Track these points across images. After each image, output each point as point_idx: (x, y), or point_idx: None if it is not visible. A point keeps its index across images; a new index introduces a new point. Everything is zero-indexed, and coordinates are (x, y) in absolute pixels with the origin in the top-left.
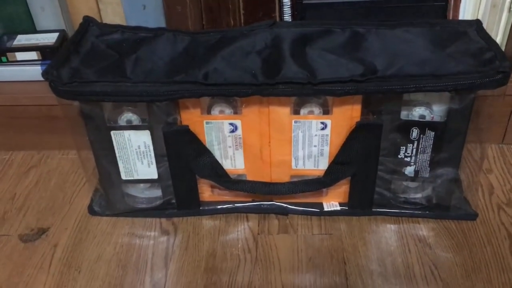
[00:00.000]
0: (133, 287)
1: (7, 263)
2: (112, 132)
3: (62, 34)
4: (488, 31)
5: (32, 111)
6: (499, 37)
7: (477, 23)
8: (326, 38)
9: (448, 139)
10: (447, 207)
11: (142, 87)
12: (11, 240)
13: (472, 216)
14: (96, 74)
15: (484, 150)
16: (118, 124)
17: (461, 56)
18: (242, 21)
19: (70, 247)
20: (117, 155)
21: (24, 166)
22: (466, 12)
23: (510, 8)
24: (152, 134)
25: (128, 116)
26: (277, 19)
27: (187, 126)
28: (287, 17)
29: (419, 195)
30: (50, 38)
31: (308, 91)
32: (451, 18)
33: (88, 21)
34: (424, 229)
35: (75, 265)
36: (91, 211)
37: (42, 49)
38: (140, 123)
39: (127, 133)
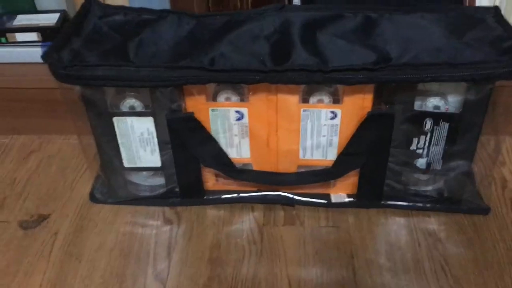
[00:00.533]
0: (135, 278)
1: (6, 250)
2: (114, 118)
3: (63, 14)
4: (506, 18)
5: (33, 94)
6: None
7: (495, 10)
8: (337, 23)
9: (463, 131)
10: (459, 200)
11: (145, 71)
12: (10, 227)
13: (484, 210)
14: (98, 58)
15: (499, 143)
16: (121, 110)
17: (478, 44)
18: (250, 4)
19: (71, 235)
20: (119, 141)
21: (24, 151)
22: None
23: None
24: (155, 121)
25: (131, 102)
26: (286, 2)
27: (192, 113)
28: (296, 1)
29: (430, 188)
30: (51, 19)
31: (319, 79)
32: (467, 4)
33: (90, 2)
34: (434, 223)
35: (76, 253)
36: (93, 198)
37: (42, 30)
38: (143, 110)
39: (129, 119)
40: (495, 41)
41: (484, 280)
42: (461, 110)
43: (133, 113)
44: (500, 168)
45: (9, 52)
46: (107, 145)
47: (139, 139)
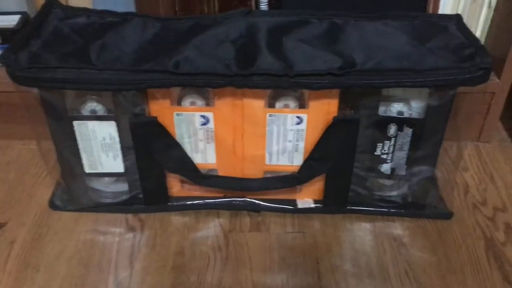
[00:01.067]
0: (96, 287)
1: None
2: (74, 122)
3: (24, 16)
4: (467, 26)
5: None
6: (478, 33)
7: (457, 18)
8: (303, 28)
9: (426, 136)
10: (422, 205)
11: (107, 74)
12: None
13: (447, 215)
14: (58, 60)
15: (461, 148)
16: (81, 114)
17: (441, 51)
18: (217, 9)
19: (29, 244)
20: (80, 146)
21: None
22: (446, 6)
23: (490, 3)
24: (118, 125)
25: (92, 105)
26: (253, 8)
27: (156, 117)
28: (264, 6)
29: (394, 193)
30: (11, 21)
31: (284, 83)
32: (431, 12)
33: (51, 3)
34: (399, 228)
35: (33, 263)
36: (52, 205)
37: (2, 32)
38: (105, 113)
39: (91, 123)
40: (457, 49)
41: (447, 285)
42: (424, 115)
43: (94, 117)
44: (462, 174)
45: None
46: (67, 150)
47: (101, 144)
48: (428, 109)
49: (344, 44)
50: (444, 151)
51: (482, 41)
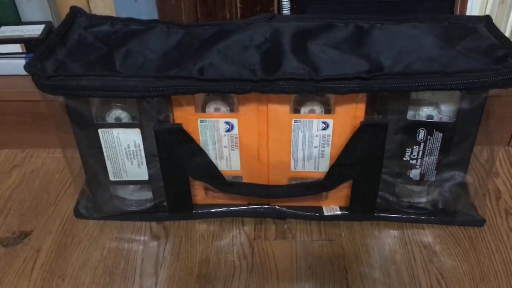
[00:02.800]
0: None
1: None
2: (99, 130)
3: (49, 26)
4: (497, 26)
5: (16, 107)
6: (507, 34)
7: (486, 19)
8: (328, 32)
9: (457, 141)
10: (453, 212)
11: (132, 82)
12: None
13: (479, 222)
14: (83, 68)
15: (493, 153)
16: (106, 121)
17: (471, 53)
18: (239, 15)
19: (54, 252)
20: (105, 154)
21: (6, 165)
22: (473, 8)
23: None
24: (142, 133)
25: (117, 113)
26: (276, 12)
27: (180, 124)
28: (286, 11)
29: (424, 200)
30: (35, 30)
31: (310, 88)
32: (458, 13)
33: (75, 12)
34: (429, 235)
35: (58, 271)
36: (77, 213)
37: (27, 42)
38: (130, 121)
39: (115, 131)
40: (488, 50)
41: None
42: (455, 119)
43: (119, 124)
44: (494, 180)
45: None
46: (92, 158)
47: (125, 152)
48: (459, 113)
49: (371, 48)
50: (475, 156)
51: None
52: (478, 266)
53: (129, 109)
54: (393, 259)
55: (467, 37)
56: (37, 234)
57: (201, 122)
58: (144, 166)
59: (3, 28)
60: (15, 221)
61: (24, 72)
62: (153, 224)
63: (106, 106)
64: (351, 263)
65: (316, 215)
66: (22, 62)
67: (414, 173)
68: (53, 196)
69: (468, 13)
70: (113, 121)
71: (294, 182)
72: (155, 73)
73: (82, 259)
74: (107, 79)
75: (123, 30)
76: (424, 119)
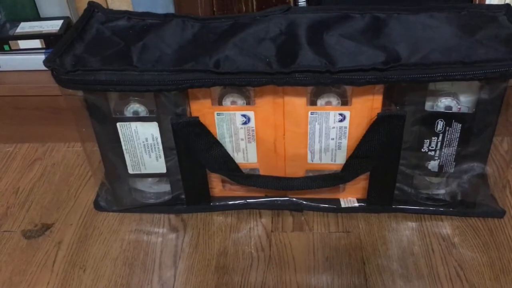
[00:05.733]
0: (141, 287)
1: (9, 260)
2: (118, 124)
3: (67, 21)
4: None
5: (36, 101)
6: None
7: (507, 8)
8: (344, 24)
9: (476, 132)
10: (472, 204)
11: (149, 76)
12: (13, 237)
13: (499, 213)
14: (101, 62)
15: None
16: (125, 115)
17: (491, 42)
18: (255, 7)
19: (75, 244)
20: (123, 148)
21: (28, 159)
22: None
23: None
24: (160, 126)
25: (135, 107)
26: (292, 4)
27: (197, 117)
28: (302, 3)
29: (442, 191)
30: (54, 26)
31: (326, 80)
32: (477, 2)
33: (93, 7)
34: (448, 227)
35: (80, 263)
36: (97, 206)
37: (46, 37)
38: (148, 115)
39: (134, 125)
40: (508, 39)
41: (501, 286)
42: (474, 110)
43: (137, 118)
44: None
45: (13, 60)
46: (111, 152)
47: (143, 145)
48: (479, 103)
49: (387, 38)
50: (495, 147)
51: None
52: (498, 258)
53: (146, 103)
54: (411, 251)
55: (486, 27)
56: (58, 226)
57: (217, 115)
58: (162, 159)
59: (22, 24)
60: (37, 214)
61: (44, 67)
62: (172, 216)
63: (124, 100)
64: (368, 255)
65: (334, 207)
66: (42, 57)
67: (433, 165)
68: (74, 189)
69: (488, 1)
70: (131, 115)
71: (311, 174)
72: (172, 67)
73: (102, 251)
74: (124, 73)
75: (140, 25)
76: (442, 110)
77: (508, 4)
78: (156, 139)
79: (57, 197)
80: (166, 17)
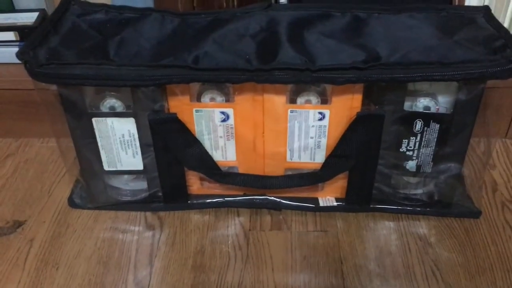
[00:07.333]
0: (115, 286)
1: None
2: (93, 119)
3: (42, 13)
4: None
5: (10, 95)
6: (505, 25)
7: (485, 9)
8: (325, 22)
9: (454, 132)
10: (449, 204)
11: (126, 70)
12: None
13: (475, 214)
14: (76, 56)
15: (490, 145)
16: (100, 110)
17: (470, 43)
18: (235, 3)
19: (48, 242)
20: (99, 144)
21: (0, 155)
22: None
23: None
24: (137, 122)
25: (111, 102)
26: (273, 1)
27: (175, 114)
28: (283, 1)
29: (420, 191)
30: (29, 18)
31: (306, 78)
32: (457, 4)
33: (69, 0)
34: (424, 227)
35: (52, 261)
36: (71, 203)
37: (20, 29)
38: (124, 110)
39: (110, 120)
40: (486, 41)
41: (476, 286)
42: (452, 110)
43: (113, 113)
44: (490, 171)
45: None
46: (87, 148)
47: (120, 141)
48: (456, 104)
49: (368, 38)
50: (472, 148)
51: None
52: (474, 258)
53: (123, 98)
54: (389, 250)
55: (465, 28)
56: (31, 223)
57: (196, 112)
58: (139, 156)
59: None
60: (8, 211)
61: (18, 61)
62: (148, 214)
63: (100, 95)
64: (346, 254)
65: (312, 206)
66: (15, 50)
67: (411, 165)
68: (47, 185)
69: (467, 3)
70: (107, 110)
71: (290, 173)
72: (149, 62)
73: (76, 249)
74: (100, 67)
75: (118, 18)
76: (421, 110)
77: (486, 6)
78: (133, 135)
79: (30, 193)
80: (145, 11)
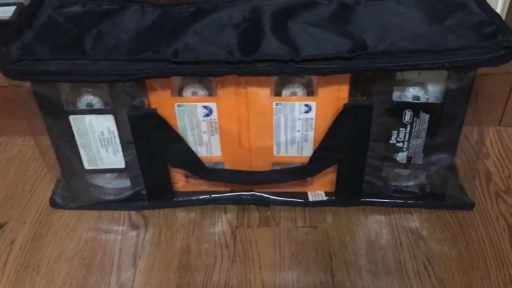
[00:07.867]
0: None
1: None
2: (70, 117)
3: (20, 7)
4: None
5: None
6: (498, 10)
7: None
8: (310, 10)
9: (445, 122)
10: (441, 196)
11: (102, 65)
12: None
13: (468, 205)
14: (51, 51)
15: (483, 134)
16: (77, 107)
17: (460, 29)
18: None
19: (29, 244)
20: (78, 142)
21: None
22: None
23: None
24: (116, 119)
25: (89, 98)
26: None
27: (156, 109)
28: None
29: (411, 183)
30: (6, 12)
31: (290, 69)
32: None
33: None
34: (416, 220)
35: (33, 264)
36: (53, 203)
37: None
38: (102, 107)
39: (88, 117)
40: (477, 26)
41: (470, 280)
42: (442, 100)
43: (91, 110)
44: (484, 161)
45: None
46: (65, 146)
47: (99, 139)
48: (447, 93)
49: (354, 26)
50: (464, 137)
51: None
52: (467, 252)
53: (101, 95)
54: (379, 245)
55: (455, 13)
56: (11, 225)
57: (178, 107)
58: (120, 154)
59: None
60: None
61: None
62: (132, 213)
63: (76, 92)
64: (336, 250)
65: (301, 201)
66: None
67: (401, 156)
68: (29, 185)
69: None
70: (84, 107)
71: (277, 168)
72: (127, 56)
73: (57, 251)
74: (75, 62)
75: (95, 11)
76: (410, 100)
77: None
78: (113, 132)
79: (11, 193)
80: (124, 3)
